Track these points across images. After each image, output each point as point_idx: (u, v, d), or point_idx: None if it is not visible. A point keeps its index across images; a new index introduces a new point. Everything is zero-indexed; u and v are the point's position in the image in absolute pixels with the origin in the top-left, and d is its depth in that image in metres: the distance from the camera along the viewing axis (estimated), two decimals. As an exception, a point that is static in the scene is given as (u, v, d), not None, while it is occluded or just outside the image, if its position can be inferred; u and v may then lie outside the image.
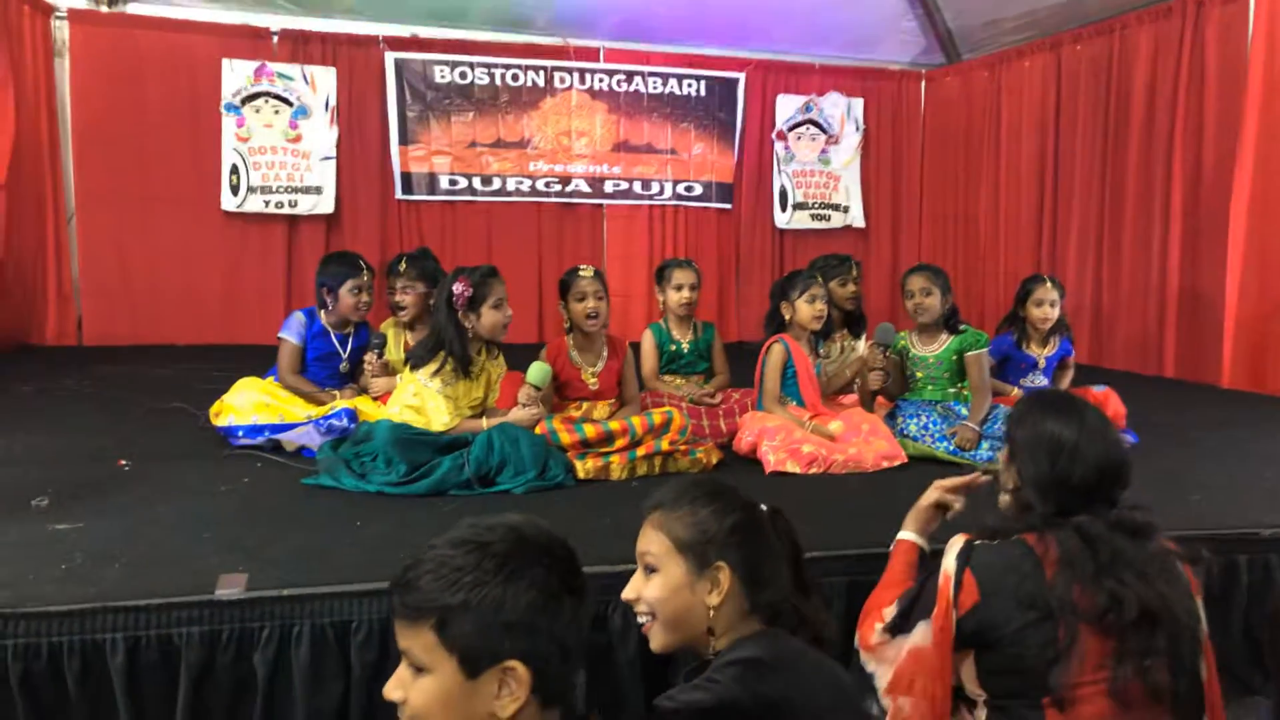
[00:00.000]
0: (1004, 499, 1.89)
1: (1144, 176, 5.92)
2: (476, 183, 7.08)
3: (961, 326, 3.80)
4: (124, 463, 3.22)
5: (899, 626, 1.77)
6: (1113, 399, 3.81)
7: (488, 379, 3.41)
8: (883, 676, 1.77)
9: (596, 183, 7.33)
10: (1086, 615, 1.60)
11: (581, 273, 3.66)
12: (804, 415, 3.64)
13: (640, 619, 1.60)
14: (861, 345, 4.39)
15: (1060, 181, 6.66)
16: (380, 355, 3.89)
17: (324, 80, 6.67)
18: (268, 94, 6.56)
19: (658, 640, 1.58)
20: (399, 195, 6.94)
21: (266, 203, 6.60)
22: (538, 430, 3.21)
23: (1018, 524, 1.75)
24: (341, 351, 3.92)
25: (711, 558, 1.53)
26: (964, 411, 3.69)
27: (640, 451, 3.25)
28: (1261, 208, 5.03)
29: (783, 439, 3.42)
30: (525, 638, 1.17)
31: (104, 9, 6.32)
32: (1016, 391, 3.99)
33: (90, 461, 3.24)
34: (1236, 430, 4.08)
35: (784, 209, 7.72)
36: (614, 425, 3.28)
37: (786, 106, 7.65)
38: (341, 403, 3.61)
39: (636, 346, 4.14)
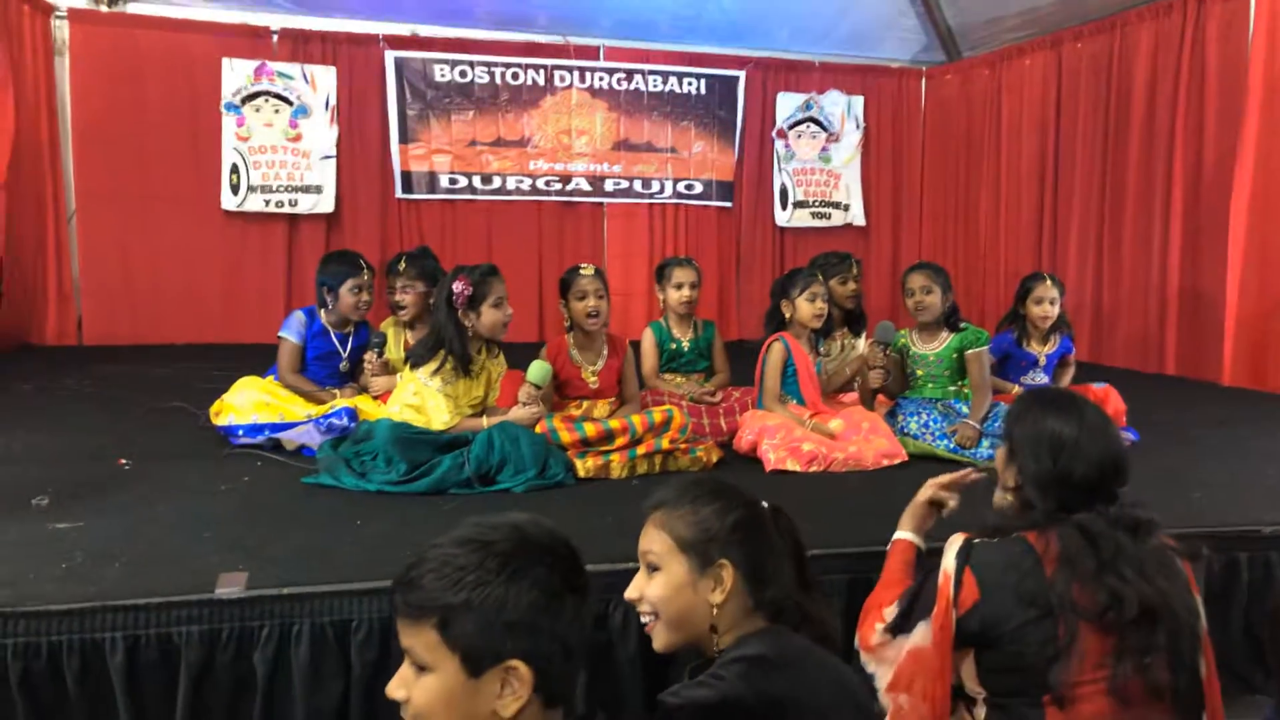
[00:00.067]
0: (1001, 497, 1.89)
1: (1144, 174, 5.91)
2: (477, 181, 7.08)
3: (962, 324, 3.79)
4: (124, 462, 3.22)
5: (899, 626, 1.77)
6: (1113, 396, 3.81)
7: (488, 378, 3.41)
8: (883, 677, 1.77)
9: (597, 181, 7.32)
10: (1086, 613, 1.60)
11: (582, 271, 3.66)
12: (804, 413, 3.64)
13: (643, 618, 1.60)
14: (862, 343, 4.38)
15: (1061, 179, 6.66)
16: (380, 354, 3.89)
17: (324, 79, 6.67)
18: (268, 93, 6.56)
19: (661, 639, 1.57)
20: (399, 194, 6.94)
21: (267, 202, 6.60)
22: (538, 429, 3.21)
23: (1017, 521, 1.75)
24: (341, 350, 3.92)
25: (714, 556, 1.53)
26: (964, 409, 3.68)
27: (640, 450, 3.25)
28: (1262, 205, 5.03)
29: (783, 437, 3.42)
30: (527, 637, 1.17)
31: (104, 8, 6.32)
32: (1017, 389, 3.98)
33: (90, 460, 3.25)
34: (1237, 428, 4.08)
35: (784, 207, 7.72)
36: (614, 424, 3.27)
37: (787, 104, 7.65)
38: (341, 402, 3.61)
39: (637, 345, 4.13)
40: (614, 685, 2.19)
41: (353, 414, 3.49)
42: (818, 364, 3.86)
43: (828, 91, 7.71)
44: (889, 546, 2.04)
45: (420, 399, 3.22)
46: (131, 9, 6.40)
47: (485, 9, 6.94)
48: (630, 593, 1.60)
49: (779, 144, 7.66)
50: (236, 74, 6.48)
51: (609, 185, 7.36)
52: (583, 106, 7.25)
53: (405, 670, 1.21)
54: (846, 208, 7.87)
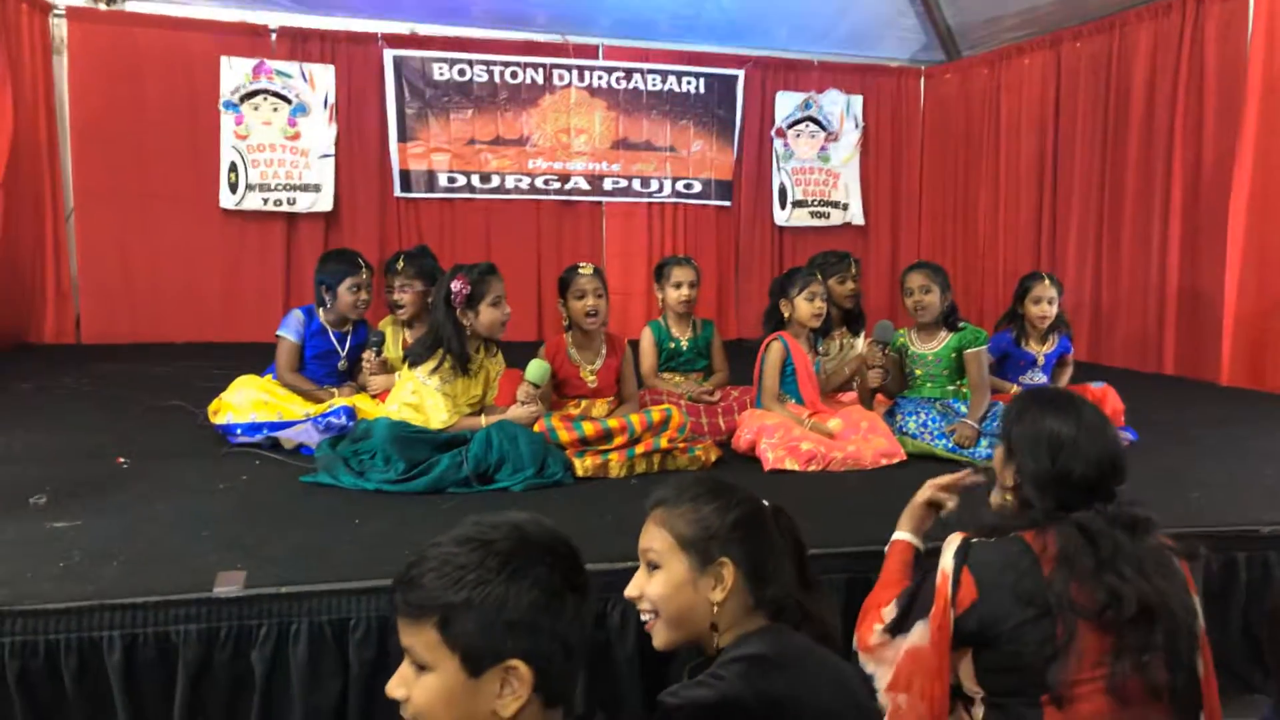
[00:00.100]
0: (998, 497, 1.89)
1: (1143, 174, 5.91)
2: (475, 180, 7.08)
3: (960, 324, 3.80)
4: (122, 460, 3.22)
5: (897, 627, 1.77)
6: (1111, 395, 3.81)
7: (486, 376, 3.40)
8: (882, 677, 1.77)
9: (595, 180, 7.32)
10: (1085, 611, 1.60)
11: (581, 270, 3.66)
12: (803, 413, 3.64)
13: (644, 616, 1.59)
14: (860, 343, 4.38)
15: (1060, 179, 6.66)
16: (379, 353, 3.89)
17: (323, 78, 6.66)
18: (266, 91, 6.55)
19: (661, 637, 1.57)
20: (398, 193, 6.93)
21: (265, 200, 6.59)
22: (536, 428, 3.21)
23: (1015, 521, 1.75)
24: (340, 349, 3.92)
25: (715, 554, 1.53)
26: (963, 409, 3.69)
27: (639, 449, 3.25)
28: (1261, 205, 5.03)
29: (781, 436, 3.42)
30: (528, 637, 1.17)
31: (103, 7, 6.31)
32: (1015, 389, 3.98)
33: (89, 459, 3.24)
34: (1236, 428, 4.08)
35: (783, 206, 7.72)
36: (613, 423, 3.27)
37: (786, 103, 7.65)
38: (340, 400, 3.61)
39: (635, 344, 4.13)
40: (612, 685, 2.19)
41: (351, 413, 3.49)
42: (816, 363, 3.86)
43: (827, 91, 7.71)
44: (887, 547, 2.04)
45: (418, 398, 3.22)
46: (130, 7, 6.38)
47: (484, 8, 6.93)
48: (630, 590, 1.60)
49: (778, 143, 7.66)
50: (235, 72, 6.47)
51: (608, 184, 7.36)
52: (581, 105, 7.24)
53: (405, 669, 1.21)
54: (845, 207, 7.87)
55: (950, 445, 3.56)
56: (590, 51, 7.27)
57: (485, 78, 7.03)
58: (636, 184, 7.41)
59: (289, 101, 6.59)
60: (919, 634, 1.72)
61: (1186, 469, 3.33)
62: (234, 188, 6.53)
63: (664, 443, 3.27)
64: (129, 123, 6.34)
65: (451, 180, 7.02)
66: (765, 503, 1.64)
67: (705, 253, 7.34)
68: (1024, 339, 4.07)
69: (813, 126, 7.72)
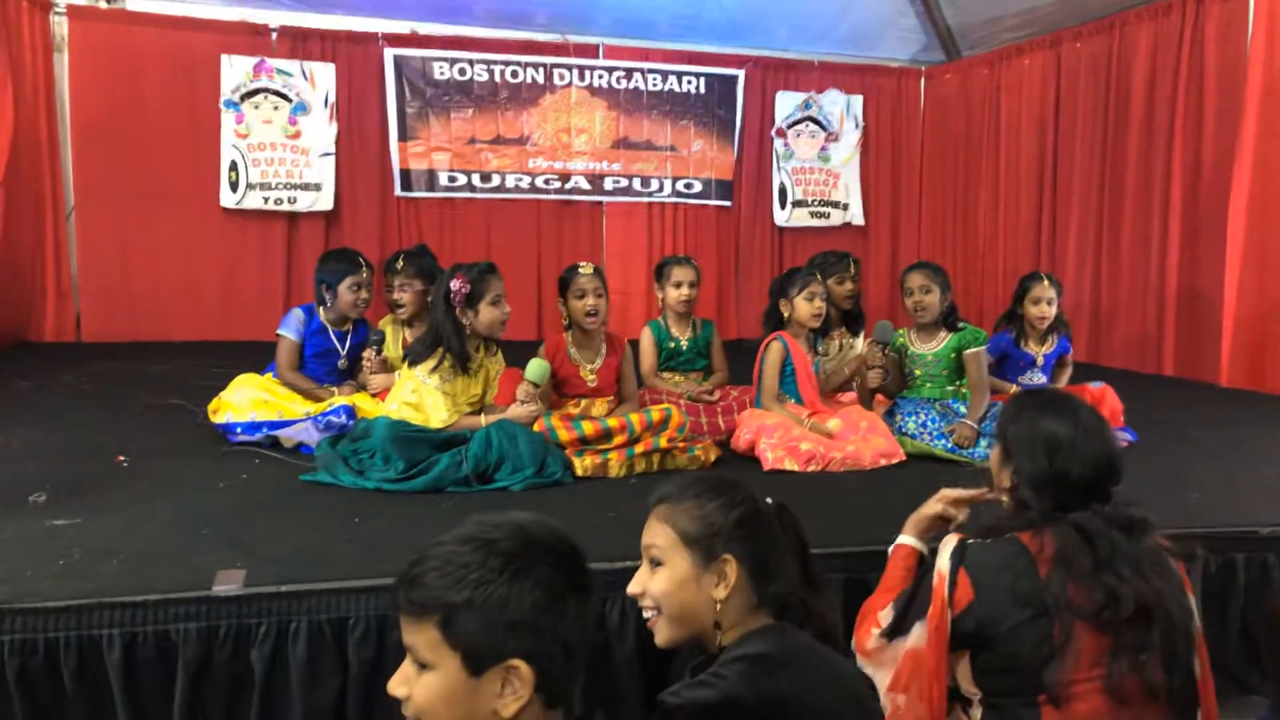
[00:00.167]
0: (994, 497, 1.89)
1: (1143, 174, 5.92)
2: (476, 179, 7.08)
3: (960, 324, 3.80)
4: (122, 459, 3.23)
5: (894, 630, 1.77)
6: (1110, 395, 3.81)
7: (486, 376, 3.41)
8: (882, 680, 1.77)
9: (596, 180, 7.32)
10: (1082, 611, 1.60)
11: (581, 270, 3.66)
12: (802, 413, 3.64)
13: (646, 613, 1.59)
14: (860, 343, 4.38)
15: (1059, 179, 6.66)
16: (379, 352, 3.89)
17: (323, 76, 6.66)
18: (267, 90, 6.55)
19: (663, 635, 1.57)
20: (398, 192, 6.93)
21: (265, 199, 6.59)
22: (536, 427, 3.21)
23: (1012, 522, 1.75)
24: (340, 348, 3.92)
25: (718, 550, 1.52)
26: (962, 409, 3.69)
27: (638, 449, 3.25)
28: (1260, 206, 5.03)
29: (781, 436, 3.42)
30: (529, 637, 1.17)
31: (103, 5, 6.31)
32: (1014, 389, 3.98)
33: (88, 458, 3.25)
34: (1235, 429, 4.09)
35: (783, 206, 7.72)
36: (612, 423, 3.27)
37: (786, 103, 7.65)
38: (340, 399, 3.61)
39: (635, 344, 4.14)
40: (611, 684, 2.19)
41: (351, 412, 3.49)
42: (816, 363, 3.86)
43: (827, 91, 7.71)
44: (890, 550, 2.03)
45: (418, 397, 3.22)
46: (131, 5, 6.38)
47: (484, 7, 6.93)
48: (633, 587, 1.59)
49: (778, 143, 7.66)
50: (236, 71, 6.47)
51: (608, 184, 7.36)
52: (582, 105, 7.24)
53: (406, 667, 1.21)
54: (845, 207, 7.87)
55: (949, 445, 3.56)
56: (591, 51, 7.27)
57: (486, 77, 7.03)
58: (637, 183, 7.41)
59: (289, 100, 6.59)
60: (917, 635, 1.72)
61: (1186, 470, 3.33)
62: (234, 186, 6.52)
63: (663, 442, 3.27)
64: (129, 121, 6.34)
65: (452, 179, 7.02)
66: (769, 500, 1.64)
67: (705, 252, 7.34)
68: (1023, 339, 4.07)
69: (813, 126, 7.72)
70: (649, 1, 7.11)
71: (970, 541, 1.72)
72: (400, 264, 4.02)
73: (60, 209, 6.28)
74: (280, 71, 6.55)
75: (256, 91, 6.52)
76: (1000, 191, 7.22)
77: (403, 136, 6.90)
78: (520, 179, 7.16)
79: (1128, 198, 6.02)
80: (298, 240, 6.76)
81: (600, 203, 7.41)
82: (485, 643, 1.16)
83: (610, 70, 7.27)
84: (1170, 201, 5.68)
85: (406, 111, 6.89)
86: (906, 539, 2.02)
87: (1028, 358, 4.07)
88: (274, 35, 6.59)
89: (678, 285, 4.20)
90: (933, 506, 2.03)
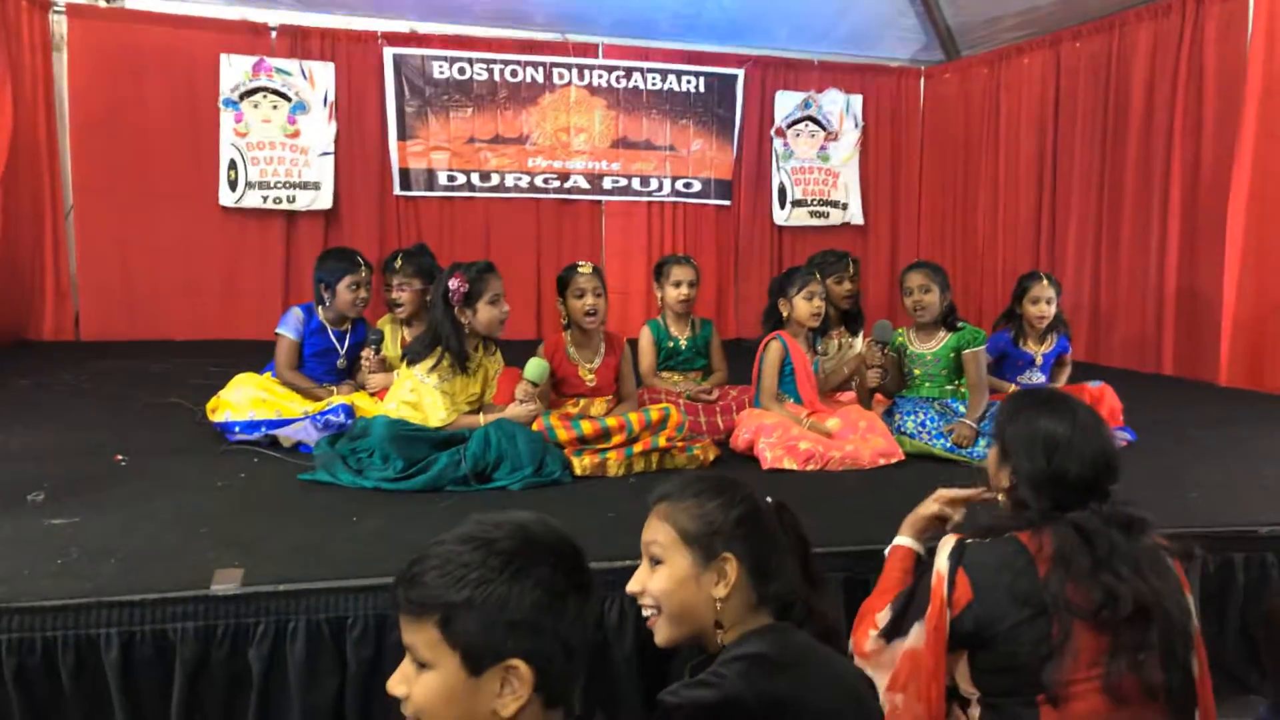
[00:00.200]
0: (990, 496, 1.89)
1: (1143, 174, 5.92)
2: (475, 179, 7.07)
3: (959, 324, 3.80)
4: (121, 458, 3.22)
5: (892, 631, 1.76)
6: (1109, 394, 3.82)
7: (485, 375, 3.41)
8: (880, 680, 1.77)
9: (595, 179, 7.32)
10: (1080, 611, 1.60)
11: (580, 269, 3.66)
12: (801, 412, 3.64)
13: (645, 612, 1.59)
14: (859, 342, 4.38)
15: (1059, 179, 6.66)
16: (377, 351, 3.89)
17: (322, 75, 6.66)
18: (266, 89, 6.54)
19: (663, 633, 1.56)
20: (397, 191, 6.93)
21: (264, 198, 6.58)
22: (535, 427, 3.21)
23: (1010, 522, 1.74)
24: (339, 347, 3.92)
25: (718, 549, 1.52)
26: (961, 409, 3.69)
27: (637, 448, 3.25)
28: (1260, 206, 5.03)
29: (780, 436, 3.42)
30: (529, 637, 1.16)
31: (102, 4, 6.31)
32: (1013, 389, 3.99)
33: (87, 456, 3.24)
34: (1234, 428, 4.09)
35: (783, 206, 7.72)
36: (611, 422, 3.27)
37: (785, 103, 7.64)
38: (338, 398, 3.61)
39: (634, 343, 4.14)
40: (611, 684, 2.19)
41: (349, 411, 3.49)
42: (815, 363, 3.86)
43: (826, 90, 7.71)
44: (887, 551, 2.03)
45: (417, 396, 3.22)
46: (130, 4, 6.37)
47: (484, 6, 6.93)
48: (632, 586, 1.59)
49: (777, 142, 7.66)
50: (235, 70, 6.46)
51: (607, 183, 7.35)
52: (581, 104, 7.24)
53: (406, 666, 1.21)
54: (845, 206, 7.87)
55: (948, 445, 3.56)
56: (590, 50, 7.27)
57: (485, 76, 7.03)
58: (636, 183, 7.41)
59: (289, 99, 6.59)
60: (916, 636, 1.72)
61: (1185, 469, 3.33)
62: (233, 185, 6.52)
63: (662, 442, 3.27)
64: (129, 120, 6.34)
65: (451, 179, 7.02)
66: (769, 499, 1.64)
67: (704, 252, 7.35)
68: (1022, 339, 4.07)
69: (812, 126, 7.72)
70: (649, 1, 7.10)
71: (969, 541, 1.72)
72: (399, 263, 4.02)
73: (59, 208, 6.27)
74: (279, 70, 6.55)
75: (256, 90, 6.52)
76: (999, 191, 7.22)
77: (402, 136, 6.90)
78: (519, 178, 7.15)
79: (1127, 197, 6.02)
80: (296, 239, 6.75)
81: (599, 202, 7.41)
82: (485, 642, 1.15)
83: (610, 69, 7.27)
84: (1169, 201, 5.68)
85: (406, 111, 6.89)
86: (903, 540, 2.02)
87: (1027, 357, 4.07)
88: (273, 34, 6.59)
89: (677, 284, 4.20)
90: (929, 507, 2.02)
